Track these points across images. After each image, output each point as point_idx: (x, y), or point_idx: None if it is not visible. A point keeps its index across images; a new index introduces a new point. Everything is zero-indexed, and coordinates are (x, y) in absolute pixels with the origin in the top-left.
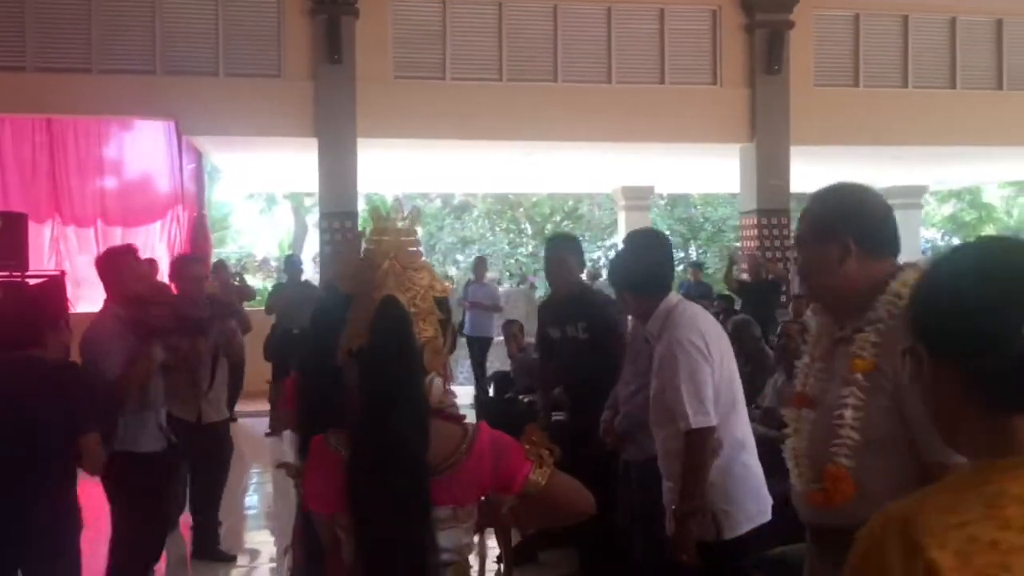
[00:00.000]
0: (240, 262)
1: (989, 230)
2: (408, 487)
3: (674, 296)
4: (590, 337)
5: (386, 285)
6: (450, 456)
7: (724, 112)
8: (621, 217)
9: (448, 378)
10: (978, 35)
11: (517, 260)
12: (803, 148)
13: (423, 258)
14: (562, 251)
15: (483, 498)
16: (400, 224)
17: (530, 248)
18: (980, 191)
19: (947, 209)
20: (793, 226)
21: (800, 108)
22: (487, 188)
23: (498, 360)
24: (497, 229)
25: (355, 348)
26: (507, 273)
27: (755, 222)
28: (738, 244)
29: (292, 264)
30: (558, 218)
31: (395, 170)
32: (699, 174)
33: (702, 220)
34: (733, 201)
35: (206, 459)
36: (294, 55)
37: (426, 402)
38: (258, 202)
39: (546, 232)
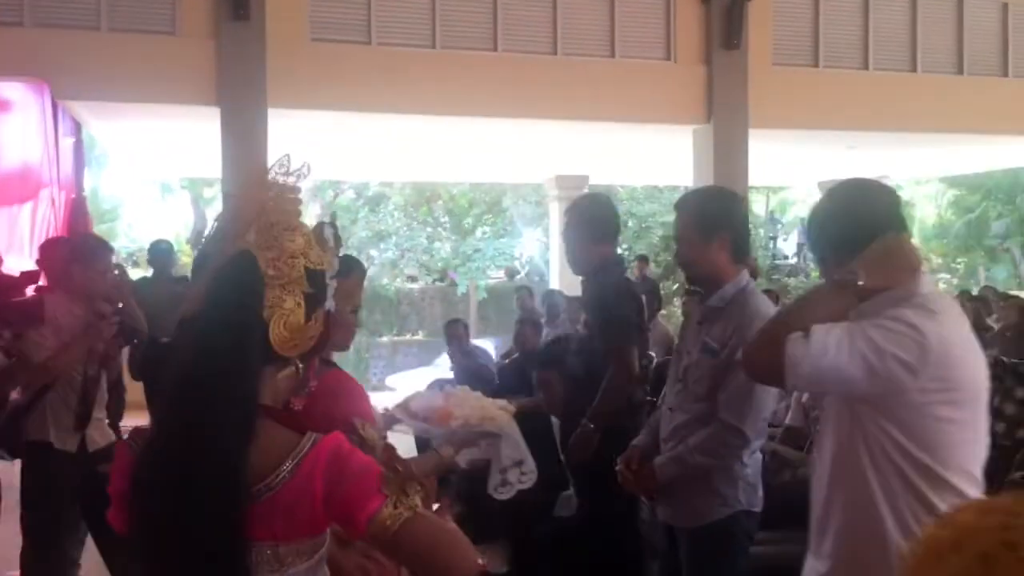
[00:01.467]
0: (131, 256)
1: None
2: (212, 513)
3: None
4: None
5: (243, 238)
6: (271, 472)
7: (678, 90)
8: (553, 208)
9: (308, 374)
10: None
11: (434, 256)
12: (760, 131)
13: (303, 224)
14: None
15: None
16: (281, 179)
17: (449, 243)
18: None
19: None
20: (784, 212)
21: (759, 88)
22: (406, 176)
23: None
24: (414, 222)
25: (187, 316)
26: (424, 269)
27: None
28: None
29: (160, 253)
30: (478, 211)
31: (307, 150)
32: (640, 163)
33: (627, 216)
34: (660, 196)
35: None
36: (192, 9)
37: (254, 393)
38: (152, 190)
39: (465, 226)
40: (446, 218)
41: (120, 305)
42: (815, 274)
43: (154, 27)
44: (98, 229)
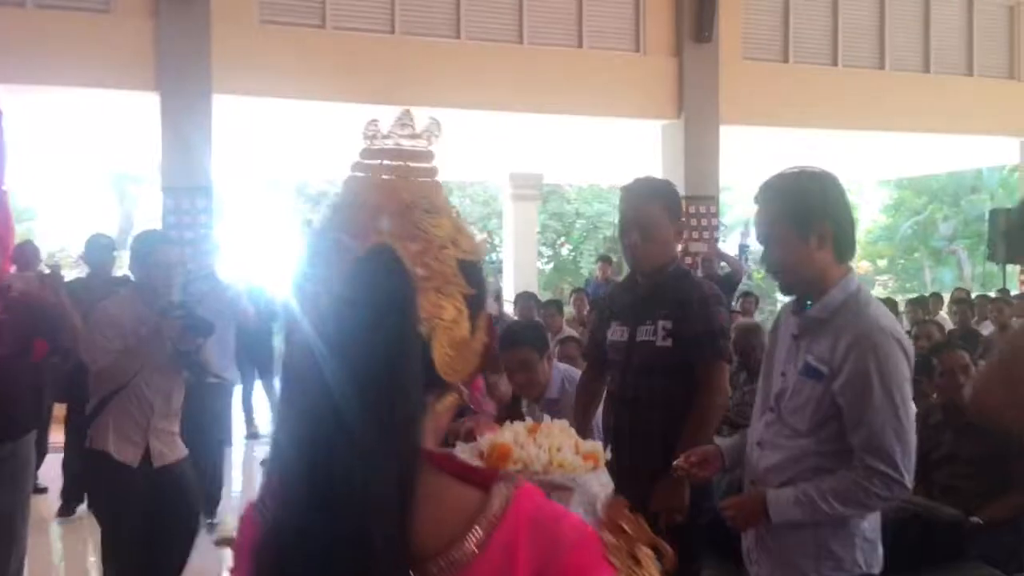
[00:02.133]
0: (52, 257)
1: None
2: None
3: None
4: (674, 344)
5: (377, 228)
6: (450, 545)
7: (648, 84)
8: (508, 208)
9: (479, 400)
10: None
11: None
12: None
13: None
14: (652, 203)
15: None
16: (407, 142)
17: None
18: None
19: None
20: (723, 214)
21: (730, 82)
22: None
23: None
24: None
25: (298, 343)
26: None
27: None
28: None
29: (98, 249)
30: None
31: (252, 143)
32: (604, 161)
33: (575, 216)
34: (609, 196)
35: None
36: None
37: (416, 442)
38: (77, 187)
39: None
40: None
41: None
42: (758, 275)
43: (87, 4)
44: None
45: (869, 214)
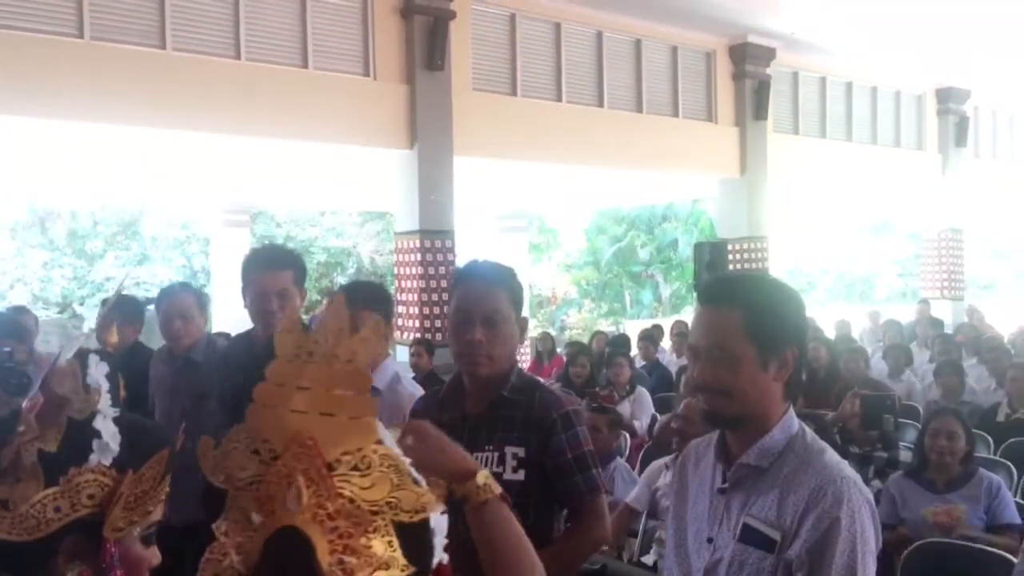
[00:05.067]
0: None
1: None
2: None
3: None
4: (527, 476)
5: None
6: None
7: (380, 110)
8: (217, 236)
9: None
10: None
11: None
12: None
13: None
14: (499, 290)
15: None
16: (339, 349)
17: (72, 270)
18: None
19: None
20: (459, 249)
21: (461, 113)
22: (12, 192)
23: None
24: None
25: None
26: (39, 301)
27: (417, 244)
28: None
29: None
30: (111, 231)
31: None
32: (321, 186)
33: (286, 240)
34: (321, 220)
35: None
36: None
37: None
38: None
39: (91, 251)
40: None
41: None
42: None
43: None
44: None
45: (572, 239)
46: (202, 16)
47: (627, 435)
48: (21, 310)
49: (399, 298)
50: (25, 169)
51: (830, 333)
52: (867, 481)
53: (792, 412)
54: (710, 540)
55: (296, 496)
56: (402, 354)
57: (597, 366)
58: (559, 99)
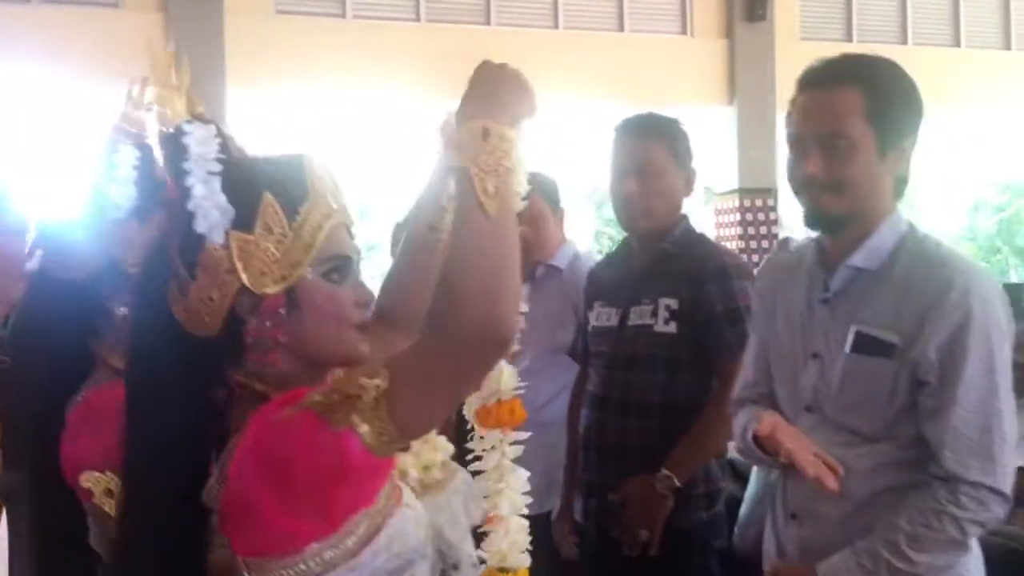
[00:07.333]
0: None
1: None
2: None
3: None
4: (680, 329)
5: None
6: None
7: (698, 68)
8: None
9: None
10: None
11: None
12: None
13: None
14: (654, 142)
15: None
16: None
17: None
18: None
19: None
20: (780, 209)
21: (785, 65)
22: None
23: None
24: None
25: None
26: None
27: (736, 204)
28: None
29: None
30: None
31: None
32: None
33: None
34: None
35: None
36: None
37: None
38: None
39: None
40: None
41: None
42: None
43: None
44: None
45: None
46: None
47: None
48: None
49: None
50: None
51: None
52: None
53: (900, 210)
54: (816, 355)
55: None
56: None
57: None
58: (904, 42)
